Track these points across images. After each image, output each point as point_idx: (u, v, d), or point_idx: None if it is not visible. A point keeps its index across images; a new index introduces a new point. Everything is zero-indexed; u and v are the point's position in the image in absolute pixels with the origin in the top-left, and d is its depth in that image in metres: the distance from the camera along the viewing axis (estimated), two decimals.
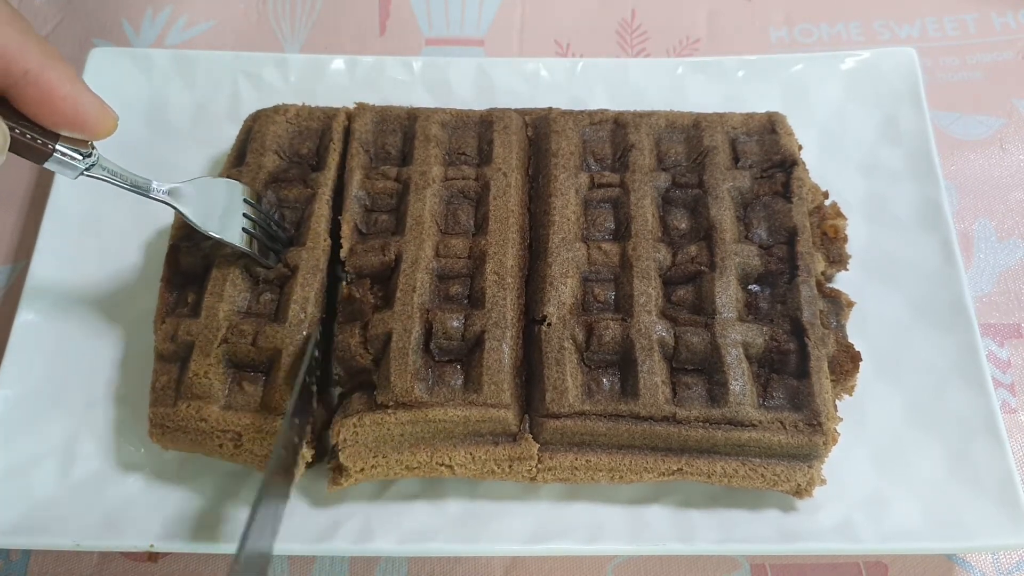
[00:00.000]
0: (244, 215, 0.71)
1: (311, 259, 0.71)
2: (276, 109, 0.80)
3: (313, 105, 0.82)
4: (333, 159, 0.77)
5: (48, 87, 0.55)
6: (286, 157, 0.78)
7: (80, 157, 0.60)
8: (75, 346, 0.74)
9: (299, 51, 0.97)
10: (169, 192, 0.67)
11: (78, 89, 0.57)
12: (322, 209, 0.74)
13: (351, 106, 0.81)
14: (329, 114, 0.80)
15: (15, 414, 0.71)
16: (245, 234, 0.70)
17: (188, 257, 0.73)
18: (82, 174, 0.62)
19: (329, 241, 0.74)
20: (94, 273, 0.78)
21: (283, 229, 0.74)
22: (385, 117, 0.80)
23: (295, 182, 0.76)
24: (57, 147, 0.59)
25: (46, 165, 0.59)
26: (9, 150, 0.56)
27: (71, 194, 0.81)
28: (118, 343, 0.75)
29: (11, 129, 0.56)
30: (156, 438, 0.67)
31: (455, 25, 0.99)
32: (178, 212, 0.67)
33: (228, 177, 0.76)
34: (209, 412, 0.65)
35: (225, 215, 0.70)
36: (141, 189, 0.66)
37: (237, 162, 0.78)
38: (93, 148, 0.62)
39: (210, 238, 0.68)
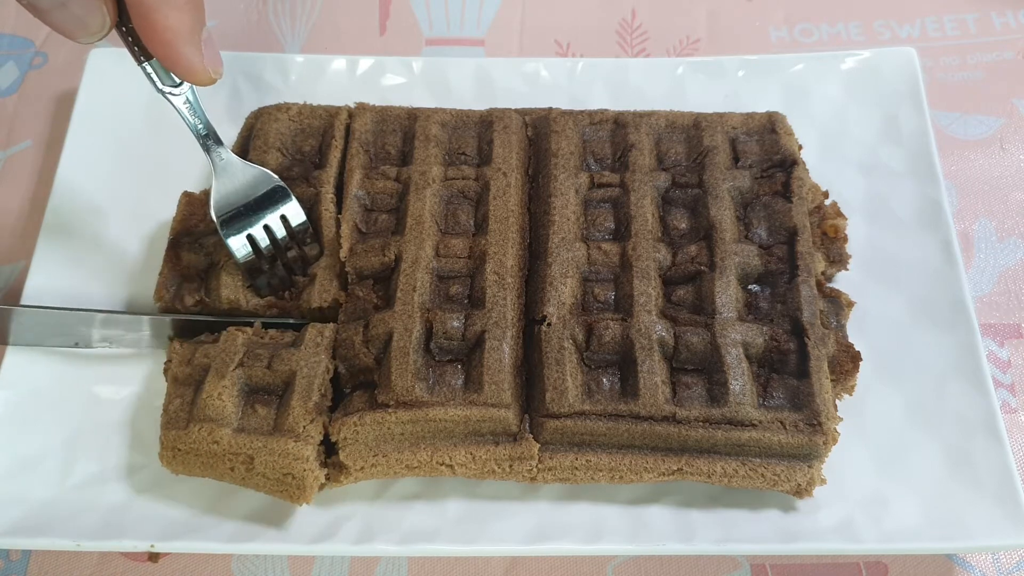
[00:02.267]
0: (266, 227, 0.71)
1: (329, 267, 0.72)
2: (279, 107, 0.81)
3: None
4: (335, 156, 0.77)
5: (151, 28, 0.59)
6: (289, 155, 0.78)
7: (161, 83, 0.65)
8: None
9: (299, 51, 0.97)
10: (223, 158, 0.69)
11: (179, 39, 0.60)
12: (329, 211, 0.74)
13: (352, 105, 0.81)
14: (331, 112, 0.80)
15: (15, 414, 0.71)
16: (250, 246, 0.71)
17: (190, 255, 0.73)
18: (163, 95, 0.66)
19: (340, 234, 0.74)
20: (94, 273, 0.78)
21: (300, 264, 0.73)
22: (385, 117, 0.80)
23: (298, 180, 0.76)
24: (145, 65, 0.64)
25: (140, 68, 0.64)
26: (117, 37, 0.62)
27: (71, 194, 0.81)
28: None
29: (119, 27, 0.61)
30: (167, 462, 0.66)
31: (455, 25, 0.99)
32: (213, 182, 0.70)
33: None
34: (221, 434, 0.64)
35: (247, 216, 0.71)
36: (203, 139, 0.69)
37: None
38: (185, 84, 0.66)
39: (215, 229, 0.69)
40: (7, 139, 0.91)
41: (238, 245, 0.70)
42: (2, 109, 0.93)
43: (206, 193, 0.77)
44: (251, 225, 0.71)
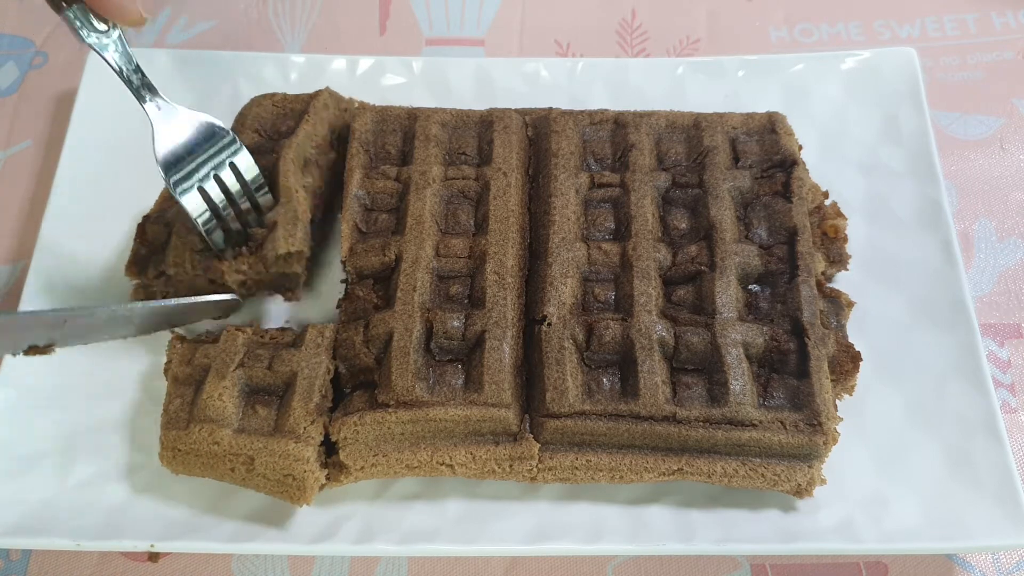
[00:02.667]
0: (217, 177, 0.69)
1: (288, 212, 0.72)
2: (266, 95, 0.82)
3: None
4: (304, 127, 0.77)
5: None
6: (265, 135, 0.79)
7: (87, 32, 0.62)
8: (75, 346, 0.74)
9: (299, 51, 0.97)
10: (160, 108, 0.66)
11: None
12: (288, 167, 0.74)
13: (354, 97, 0.82)
14: (312, 95, 0.81)
15: (15, 414, 0.71)
16: (202, 198, 0.68)
17: (154, 227, 0.73)
18: (91, 47, 0.63)
19: (302, 193, 0.74)
20: (93, 273, 0.78)
21: (256, 214, 0.72)
22: (385, 117, 0.80)
23: (266, 152, 0.76)
24: (67, 11, 0.61)
25: (61, 18, 0.61)
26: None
27: (70, 194, 0.81)
28: (118, 342, 0.75)
29: None
30: (167, 462, 0.66)
31: (455, 25, 0.99)
32: (152, 133, 0.66)
33: None
34: (222, 435, 0.64)
35: (196, 167, 0.68)
36: (136, 89, 0.65)
37: None
38: (114, 30, 0.62)
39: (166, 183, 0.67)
40: (7, 139, 0.91)
41: (192, 200, 0.68)
42: (2, 109, 0.93)
43: None
44: (202, 177, 0.68)
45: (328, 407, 0.67)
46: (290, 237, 0.71)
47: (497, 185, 0.74)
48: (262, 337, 0.70)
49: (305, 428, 0.65)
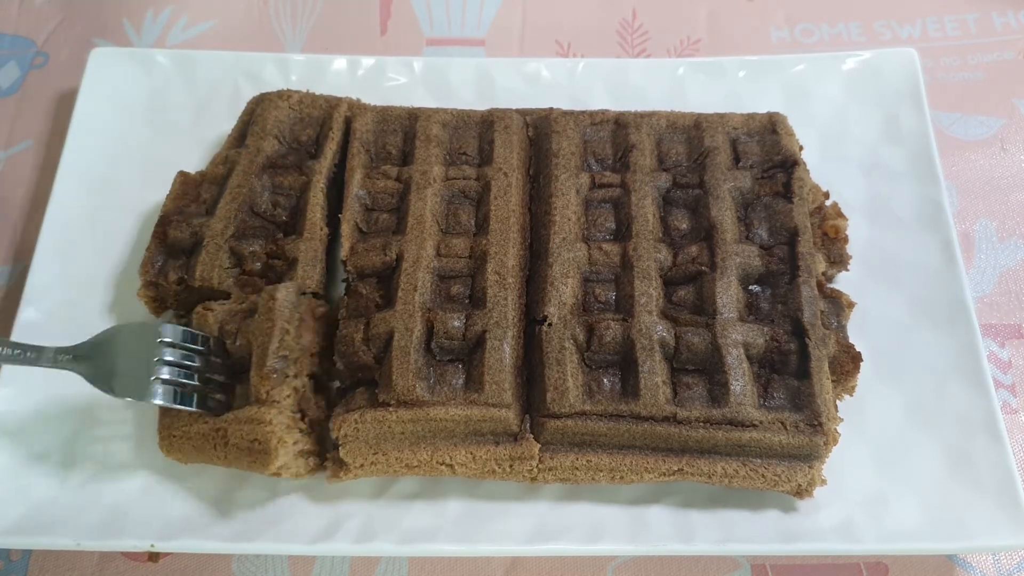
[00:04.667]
0: (164, 361, 0.65)
1: (309, 250, 0.72)
2: (280, 94, 0.81)
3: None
4: (330, 148, 0.78)
5: None
6: (286, 143, 0.79)
7: None
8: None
9: (300, 51, 0.97)
10: (74, 357, 0.63)
11: None
12: (317, 197, 0.74)
13: (354, 97, 0.82)
14: (332, 103, 0.81)
15: (16, 413, 0.71)
16: (165, 386, 0.64)
17: (177, 232, 0.73)
18: None
19: (326, 230, 0.75)
20: (94, 273, 0.78)
21: (223, 358, 0.68)
22: (386, 117, 0.80)
23: (291, 169, 0.76)
24: None
25: None
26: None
27: (71, 194, 0.81)
28: None
29: None
30: (165, 448, 0.67)
31: (456, 25, 0.99)
32: (84, 378, 0.63)
33: (227, 156, 0.77)
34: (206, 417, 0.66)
35: (139, 369, 0.64)
36: (31, 360, 0.62)
37: (237, 142, 0.79)
38: None
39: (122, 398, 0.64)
40: (8, 139, 0.91)
41: (165, 394, 0.64)
42: (3, 109, 0.93)
43: (202, 174, 0.78)
44: (154, 373, 0.64)
45: (296, 373, 0.66)
46: (308, 279, 0.71)
47: (498, 185, 0.74)
48: (240, 303, 0.70)
49: (267, 392, 0.64)
